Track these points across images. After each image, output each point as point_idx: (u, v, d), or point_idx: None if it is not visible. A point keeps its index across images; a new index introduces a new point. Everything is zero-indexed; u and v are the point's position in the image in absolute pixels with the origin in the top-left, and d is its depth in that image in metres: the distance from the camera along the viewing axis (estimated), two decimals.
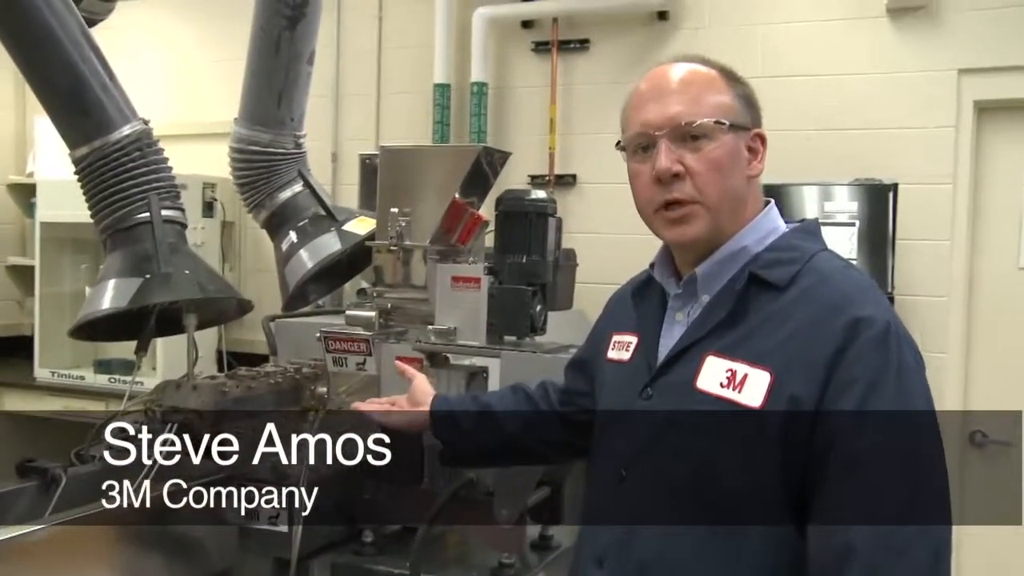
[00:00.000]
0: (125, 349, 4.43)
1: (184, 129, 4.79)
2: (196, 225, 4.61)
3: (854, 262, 3.34)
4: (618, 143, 1.47)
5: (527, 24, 4.43)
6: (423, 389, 1.88)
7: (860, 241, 3.41)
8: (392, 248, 2.31)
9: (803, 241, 1.41)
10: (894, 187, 3.48)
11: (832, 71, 3.86)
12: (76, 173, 2.32)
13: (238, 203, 4.80)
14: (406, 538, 2.26)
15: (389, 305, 2.38)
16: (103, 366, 4.64)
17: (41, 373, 4.80)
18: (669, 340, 1.43)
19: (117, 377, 4.23)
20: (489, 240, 2.46)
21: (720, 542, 1.28)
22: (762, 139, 1.42)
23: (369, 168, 3.26)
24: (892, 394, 1.22)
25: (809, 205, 3.55)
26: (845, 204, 3.53)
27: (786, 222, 1.46)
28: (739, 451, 1.28)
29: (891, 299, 3.24)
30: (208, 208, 4.67)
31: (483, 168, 2.38)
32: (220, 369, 4.47)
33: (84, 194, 2.32)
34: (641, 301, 1.55)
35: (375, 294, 2.38)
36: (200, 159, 4.25)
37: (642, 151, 1.41)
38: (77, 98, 2.24)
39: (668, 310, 1.47)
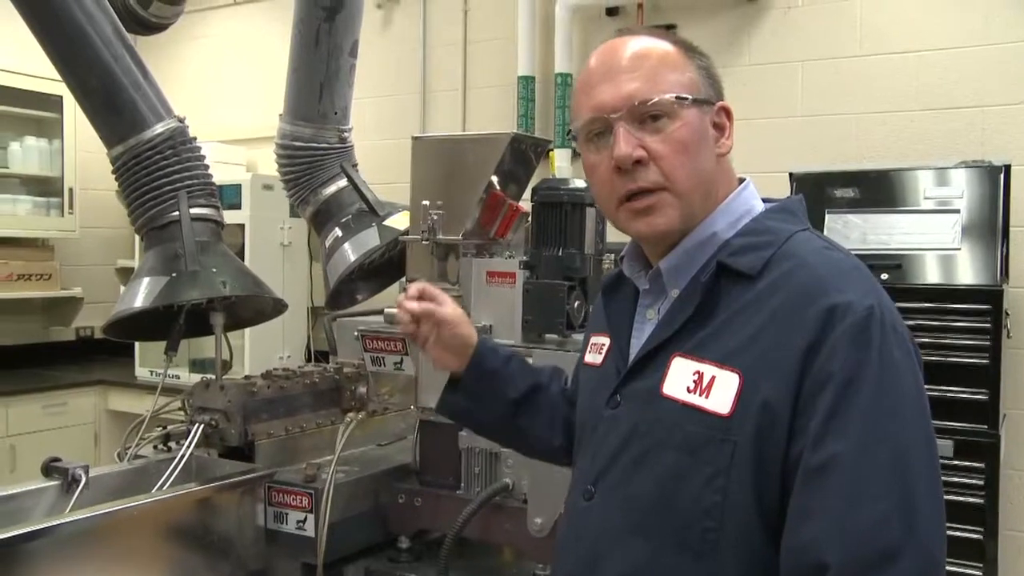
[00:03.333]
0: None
1: (273, 131, 4.84)
2: (284, 225, 4.65)
3: (957, 252, 3.06)
4: (569, 132, 1.29)
5: (611, 11, 4.27)
6: (463, 331, 1.56)
7: (966, 228, 3.12)
8: (424, 243, 2.21)
9: (780, 222, 1.24)
10: (1006, 169, 3.16)
11: (937, 46, 3.55)
12: (113, 172, 2.32)
13: None
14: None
15: None
16: (198, 365, 4.71)
17: (141, 372, 4.93)
18: (639, 341, 1.29)
19: (210, 376, 4.27)
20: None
21: (689, 566, 1.14)
22: (727, 113, 1.25)
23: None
24: (872, 392, 1.06)
25: (914, 191, 3.27)
26: (950, 189, 3.23)
27: (767, 201, 1.29)
28: (708, 464, 1.13)
29: (1000, 292, 2.94)
30: (294, 209, 4.68)
31: (519, 156, 2.26)
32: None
33: (121, 193, 2.31)
34: (613, 299, 1.40)
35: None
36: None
37: (597, 138, 1.25)
38: (110, 97, 2.23)
39: (639, 307, 1.32)
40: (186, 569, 1.99)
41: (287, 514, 2.11)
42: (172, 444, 2.32)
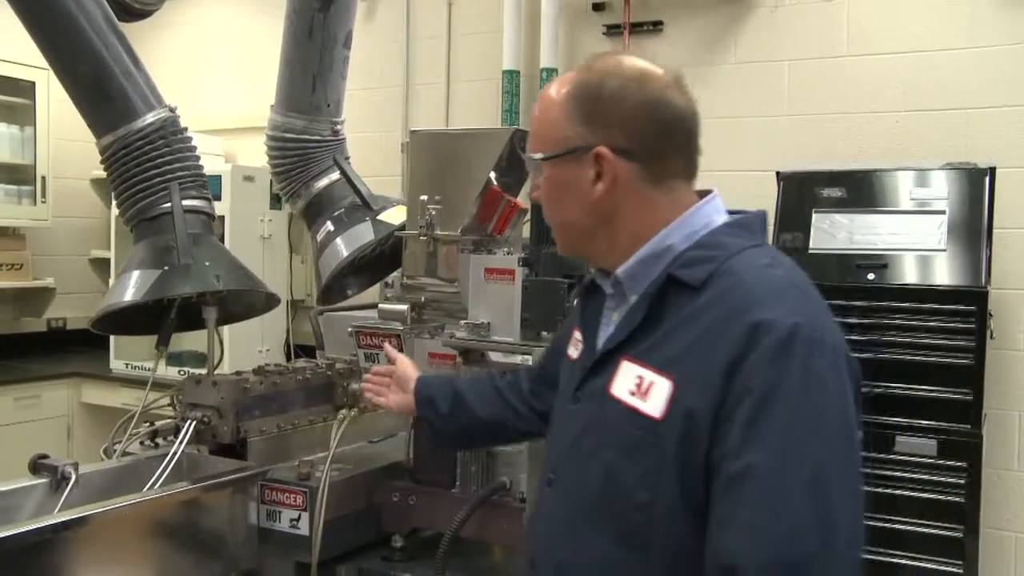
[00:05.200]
0: (196, 341, 4.44)
1: (254, 122, 4.76)
2: (264, 218, 4.59)
3: (943, 253, 3.07)
4: None
5: (598, 7, 4.25)
6: (407, 375, 1.95)
7: (951, 230, 3.13)
8: (422, 238, 2.18)
9: (732, 237, 1.30)
10: (991, 171, 3.18)
11: (924, 48, 3.57)
12: (102, 163, 2.27)
13: None
14: (438, 545, 2.13)
15: (423, 298, 2.26)
16: (174, 358, 4.64)
17: (116, 365, 4.85)
18: (603, 341, 1.37)
19: (187, 369, 4.21)
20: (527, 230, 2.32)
21: (623, 556, 1.23)
22: (599, 157, 1.30)
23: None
24: (791, 407, 1.11)
25: (900, 192, 3.28)
26: (936, 190, 3.24)
27: (734, 214, 1.35)
28: (640, 464, 1.21)
29: (985, 294, 2.96)
30: (276, 200, 4.62)
31: (519, 152, 2.23)
32: (288, 361, 4.43)
33: (111, 184, 2.26)
34: (588, 301, 1.47)
35: (408, 286, 2.26)
36: None
37: None
38: (100, 86, 2.18)
39: (605, 310, 1.41)
40: (178, 568, 1.95)
41: (280, 512, 2.08)
42: (160, 440, 2.28)
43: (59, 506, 1.85)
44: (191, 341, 4.48)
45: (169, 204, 2.20)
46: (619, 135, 1.29)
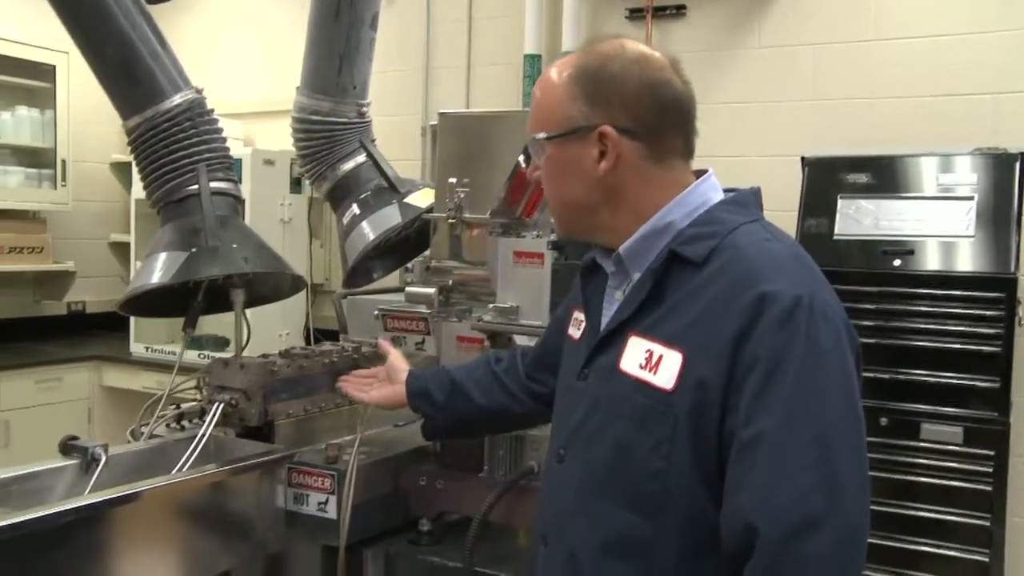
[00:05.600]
0: (216, 325, 4.44)
1: (273, 106, 4.77)
2: (284, 201, 4.58)
3: (971, 239, 3.04)
4: None
5: None
6: (397, 366, 1.97)
7: (980, 216, 3.10)
8: (451, 221, 2.16)
9: (729, 213, 1.35)
10: (1021, 156, 3.15)
11: (952, 31, 3.53)
12: (129, 145, 2.26)
13: None
14: (466, 528, 2.12)
15: (451, 281, 2.25)
16: (194, 342, 4.64)
17: (136, 348, 4.86)
18: (608, 319, 1.41)
19: (207, 353, 4.22)
20: None
21: (639, 526, 1.27)
22: (604, 135, 1.34)
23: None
24: (797, 375, 1.17)
25: (927, 177, 3.25)
26: (964, 176, 3.21)
27: (729, 191, 1.40)
28: (653, 434, 1.25)
29: (1014, 280, 2.93)
30: (296, 184, 4.62)
31: None
32: (308, 345, 4.43)
33: (137, 166, 2.25)
34: (590, 279, 1.51)
35: (435, 269, 2.24)
36: (289, 135, 4.20)
37: None
38: (127, 68, 2.17)
39: (607, 288, 1.45)
40: (206, 551, 1.94)
41: (308, 496, 2.07)
42: (185, 423, 2.28)
43: (90, 487, 1.85)
44: (211, 325, 4.49)
45: (196, 186, 2.19)
46: (622, 115, 1.33)
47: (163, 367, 4.65)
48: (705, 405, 1.21)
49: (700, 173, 1.40)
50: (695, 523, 1.23)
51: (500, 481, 2.07)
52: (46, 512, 1.59)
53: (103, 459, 1.90)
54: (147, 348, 4.81)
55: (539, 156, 1.41)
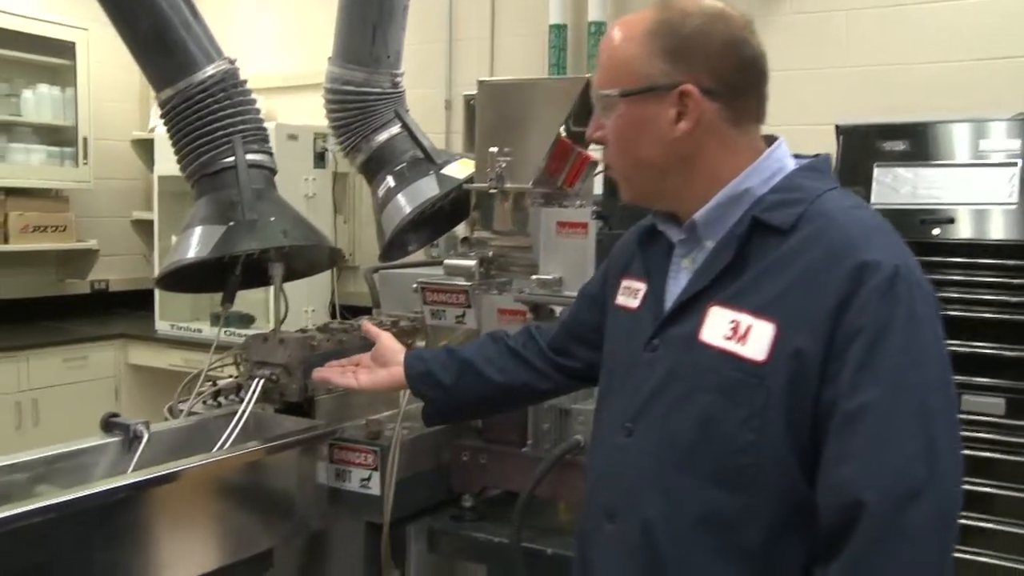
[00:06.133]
0: (239, 302, 4.41)
1: (295, 80, 4.73)
2: (308, 176, 4.54)
3: (1014, 207, 2.98)
4: None
5: None
6: (391, 347, 1.88)
7: (1023, 184, 3.03)
8: (492, 191, 2.12)
9: (809, 180, 1.31)
10: None
11: None
12: (162, 117, 2.22)
13: None
14: (508, 503, 2.10)
15: (491, 253, 2.21)
16: (219, 319, 4.63)
17: (161, 326, 4.85)
18: (676, 288, 1.37)
19: (233, 330, 4.20)
20: (599, 183, 2.26)
21: (726, 500, 1.24)
22: (685, 95, 1.29)
23: (474, 110, 3.08)
24: (900, 345, 1.15)
25: (966, 144, 3.18)
26: (1004, 142, 3.14)
27: (797, 158, 1.36)
28: (744, 406, 1.22)
29: None
30: (320, 159, 4.58)
31: (591, 102, 2.16)
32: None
33: (170, 139, 2.22)
34: (649, 247, 1.47)
35: (476, 241, 2.21)
36: (311, 109, 4.14)
37: None
38: (159, 37, 2.12)
39: (674, 257, 1.40)
40: (248, 528, 1.92)
41: (350, 472, 2.04)
42: (222, 400, 2.25)
43: (133, 465, 1.83)
44: (236, 301, 4.47)
45: (231, 159, 2.15)
46: (704, 73, 1.28)
47: (188, 345, 4.64)
48: (801, 376, 1.18)
49: (770, 139, 1.36)
50: (785, 497, 1.21)
51: (545, 456, 2.03)
52: (95, 490, 1.57)
53: (145, 436, 1.87)
54: (172, 326, 4.80)
55: (607, 114, 1.35)
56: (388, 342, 1.89)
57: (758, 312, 1.22)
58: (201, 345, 4.54)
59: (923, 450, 1.12)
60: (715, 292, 1.28)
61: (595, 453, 1.49)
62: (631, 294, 1.47)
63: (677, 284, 1.37)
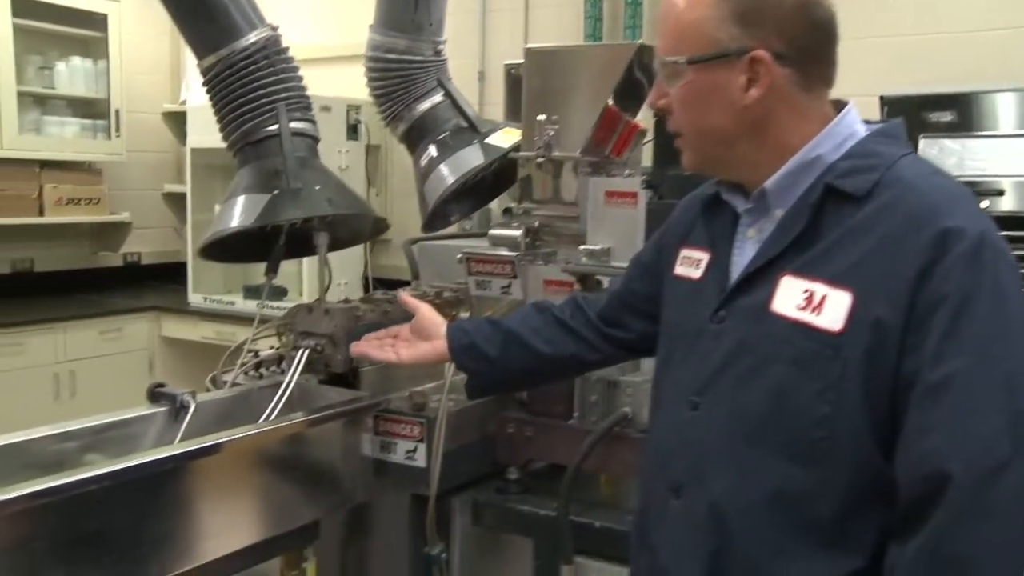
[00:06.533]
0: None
1: (328, 52, 4.69)
2: (341, 148, 4.51)
3: None
4: None
5: None
6: (431, 319, 1.85)
7: None
8: (539, 160, 2.09)
9: (884, 146, 1.26)
10: None
11: None
12: (204, 84, 2.19)
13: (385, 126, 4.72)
14: (553, 476, 2.08)
15: (537, 223, 2.18)
16: (252, 292, 4.64)
17: (194, 298, 4.85)
18: (742, 259, 1.33)
19: (266, 303, 4.19)
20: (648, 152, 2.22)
21: (798, 475, 1.20)
22: (756, 61, 1.24)
23: (515, 79, 3.04)
24: (985, 315, 1.11)
25: (1006, 115, 3.11)
26: None
27: (867, 123, 1.32)
28: (819, 378, 1.18)
29: None
30: (353, 131, 4.55)
31: (639, 70, 2.12)
32: (367, 293, 4.38)
33: (213, 107, 2.19)
34: (711, 216, 1.43)
35: (521, 211, 2.17)
36: (344, 81, 4.12)
37: None
38: (203, 5, 2.09)
39: (739, 226, 1.36)
40: (293, 500, 1.90)
41: (395, 444, 2.02)
42: (264, 371, 2.24)
43: (180, 435, 1.82)
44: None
45: (275, 127, 2.12)
46: (776, 38, 1.23)
47: (221, 317, 4.64)
48: (881, 346, 1.14)
49: (839, 104, 1.32)
50: (860, 471, 1.17)
51: (591, 429, 2.01)
52: (146, 460, 1.56)
53: (192, 407, 1.86)
54: (205, 298, 4.80)
55: (672, 81, 1.31)
56: (427, 314, 1.87)
57: (834, 281, 1.19)
58: (234, 318, 4.55)
59: (1008, 424, 1.08)
60: (786, 262, 1.25)
61: (657, 427, 1.45)
62: (692, 264, 1.43)
63: (743, 254, 1.33)
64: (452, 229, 2.95)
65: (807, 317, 1.20)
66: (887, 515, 1.16)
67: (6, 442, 1.68)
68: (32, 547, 1.39)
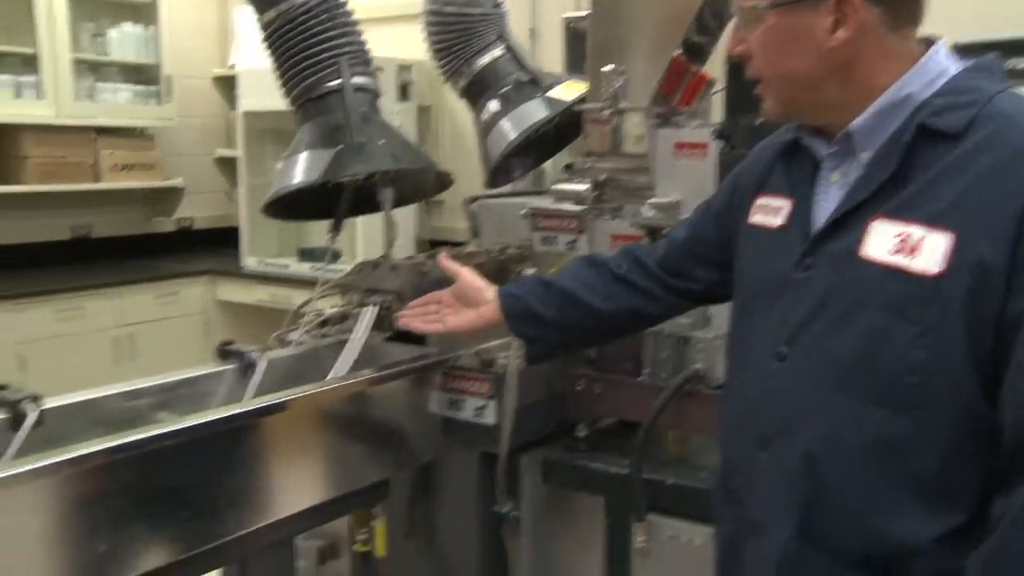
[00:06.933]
0: (322, 238, 4.41)
1: (379, 12, 4.63)
2: (392, 109, 4.45)
3: None
4: None
5: None
6: (474, 284, 1.80)
7: None
8: (606, 112, 2.03)
9: (980, 81, 1.21)
10: None
11: None
12: (264, 40, 2.16)
13: (435, 86, 4.68)
14: (623, 434, 2.05)
15: (603, 177, 2.12)
16: (306, 254, 4.65)
17: (248, 262, 4.88)
18: (826, 204, 1.29)
19: (319, 265, 4.20)
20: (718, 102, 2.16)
21: (897, 423, 1.16)
22: (843, 1, 1.19)
23: (574, 33, 2.99)
24: None
25: None
26: None
27: (959, 59, 1.26)
28: (915, 323, 1.14)
29: None
30: (404, 92, 4.52)
31: (708, 18, 2.06)
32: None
33: (274, 63, 2.16)
34: (790, 162, 1.38)
35: (587, 165, 2.13)
36: (395, 41, 4.09)
37: None
38: None
39: (822, 171, 1.32)
40: (362, 459, 1.89)
41: (464, 401, 2.00)
42: (327, 329, 2.22)
43: (251, 392, 1.81)
44: (321, 237, 4.47)
45: (337, 81, 2.09)
46: None
47: (276, 280, 4.66)
48: (983, 287, 1.10)
49: (928, 41, 1.26)
50: (961, 416, 1.14)
51: (662, 385, 1.97)
52: (218, 416, 1.55)
53: (261, 364, 1.85)
54: (259, 261, 4.82)
55: (752, 27, 1.27)
56: (469, 278, 1.82)
57: (931, 222, 1.14)
58: (288, 281, 4.57)
59: None
60: (876, 205, 1.20)
61: (738, 381, 1.41)
62: (771, 212, 1.38)
63: (827, 200, 1.29)
64: (505, 188, 2.91)
65: (901, 261, 1.16)
66: (990, 466, 1.13)
67: (78, 399, 1.69)
68: (111, 502, 1.40)
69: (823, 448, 1.22)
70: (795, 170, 1.36)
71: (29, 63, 4.51)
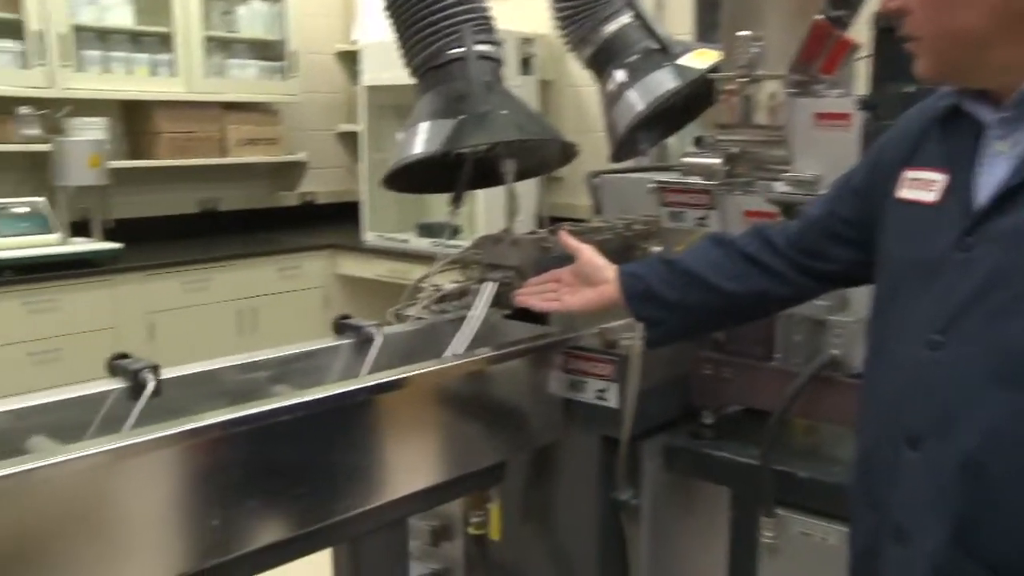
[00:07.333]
0: (440, 214, 4.40)
1: None
2: (513, 83, 4.38)
3: None
4: None
5: None
6: (594, 263, 1.74)
7: None
8: (741, 80, 1.92)
9: None
10: None
11: None
12: (386, 9, 2.11)
13: (557, 60, 4.60)
14: (750, 422, 1.94)
15: (736, 150, 2.01)
16: (426, 229, 4.64)
17: (369, 236, 4.91)
18: (992, 177, 1.17)
19: (440, 241, 4.18)
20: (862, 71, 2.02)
21: None
22: None
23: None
24: None
25: None
26: None
27: None
28: None
29: None
30: (525, 65, 4.45)
31: None
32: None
33: (395, 31, 2.11)
34: (947, 132, 1.26)
35: (719, 137, 2.02)
36: (517, 15, 4.02)
37: None
38: None
39: (986, 139, 1.19)
40: (480, 439, 1.84)
41: (586, 383, 1.92)
42: (445, 305, 2.17)
43: (368, 367, 1.77)
44: (441, 212, 4.46)
45: (460, 49, 2.02)
46: None
47: (395, 255, 4.68)
48: None
49: None
50: None
51: (796, 371, 1.85)
52: (337, 391, 1.51)
53: (378, 339, 1.81)
54: (379, 236, 4.84)
55: None
56: (589, 256, 1.75)
57: None
58: (408, 255, 4.58)
59: None
60: None
61: (883, 370, 1.30)
62: (923, 186, 1.26)
63: (992, 172, 1.17)
64: (628, 163, 2.81)
65: None
66: None
67: (196, 370, 1.68)
68: (226, 475, 1.37)
69: (986, 449, 1.10)
70: (952, 139, 1.25)
71: (165, 42, 4.64)
